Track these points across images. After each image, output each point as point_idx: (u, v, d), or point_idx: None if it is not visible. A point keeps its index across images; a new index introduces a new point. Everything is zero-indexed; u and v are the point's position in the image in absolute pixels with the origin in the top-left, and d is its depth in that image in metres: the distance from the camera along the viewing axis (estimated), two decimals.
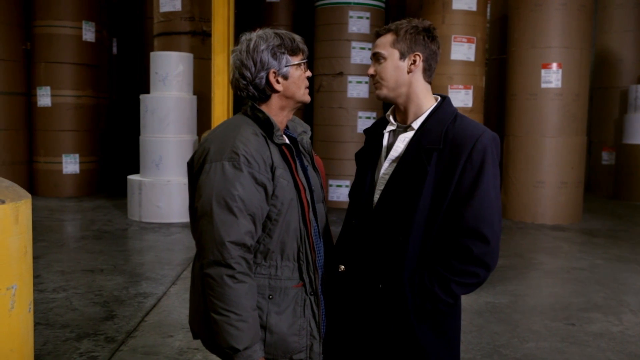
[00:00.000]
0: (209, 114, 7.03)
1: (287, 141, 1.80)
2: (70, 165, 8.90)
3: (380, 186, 1.90)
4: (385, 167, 1.89)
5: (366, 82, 8.57)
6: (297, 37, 1.84)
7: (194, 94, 7.48)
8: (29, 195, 1.96)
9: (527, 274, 5.35)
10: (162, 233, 6.59)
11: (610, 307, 4.45)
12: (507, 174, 7.95)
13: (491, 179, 1.76)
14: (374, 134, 2.02)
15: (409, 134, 1.87)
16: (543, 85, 7.65)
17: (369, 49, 8.48)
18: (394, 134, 1.93)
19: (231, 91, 7.01)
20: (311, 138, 1.94)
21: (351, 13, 8.59)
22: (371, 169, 1.95)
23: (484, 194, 1.75)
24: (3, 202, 1.78)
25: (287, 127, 1.92)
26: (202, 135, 7.21)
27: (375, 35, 1.94)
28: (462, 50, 7.59)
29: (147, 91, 7.52)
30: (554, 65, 7.60)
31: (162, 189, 7.08)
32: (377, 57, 1.88)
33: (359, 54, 8.54)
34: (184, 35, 8.12)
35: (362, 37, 8.55)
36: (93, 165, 9.21)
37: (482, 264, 1.74)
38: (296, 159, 1.83)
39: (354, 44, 8.56)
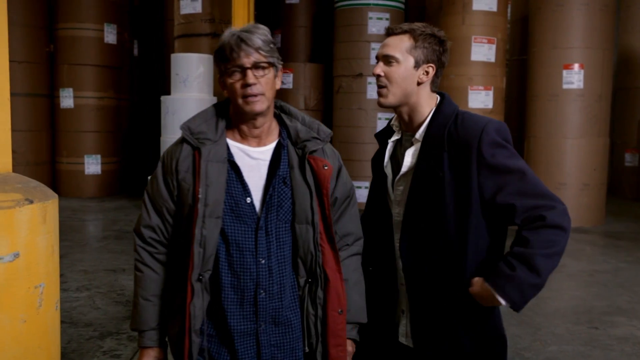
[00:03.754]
0: None
1: (198, 145, 1.67)
2: (92, 165, 9.00)
3: (398, 198, 1.89)
4: (401, 181, 1.87)
5: None
6: (234, 41, 1.63)
7: (214, 95, 7.51)
8: (56, 196, 1.99)
9: (549, 277, 5.30)
10: None
11: (634, 311, 4.39)
12: None
13: (513, 161, 1.72)
14: (382, 143, 1.98)
15: (416, 147, 1.83)
16: (565, 86, 7.57)
17: None
18: (401, 144, 1.90)
19: None
20: (331, 141, 1.83)
21: (370, 14, 8.58)
22: (383, 180, 1.94)
23: (520, 176, 1.70)
24: (31, 202, 1.81)
25: (285, 132, 1.77)
26: None
27: (386, 32, 1.84)
28: (483, 51, 7.55)
29: (168, 92, 7.57)
30: (576, 66, 7.52)
31: None
32: (388, 59, 1.79)
33: None
34: (204, 37, 8.16)
35: (381, 38, 8.46)
36: (114, 165, 9.31)
37: (558, 226, 1.65)
38: (207, 166, 1.66)
39: (373, 45, 8.54)
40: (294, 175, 1.72)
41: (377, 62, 1.82)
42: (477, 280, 1.74)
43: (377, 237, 1.97)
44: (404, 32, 1.79)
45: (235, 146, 1.71)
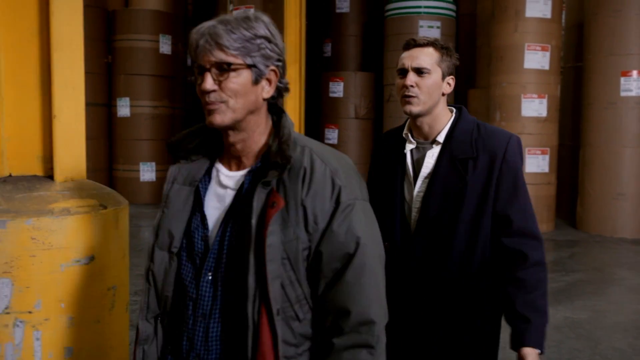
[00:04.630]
0: None
1: (175, 162, 1.46)
2: (147, 173, 9.24)
3: (417, 204, 1.90)
4: (420, 185, 1.90)
5: None
6: (198, 35, 1.31)
7: None
8: (127, 202, 2.07)
9: (608, 290, 5.17)
10: None
11: None
12: (582, 186, 7.70)
13: (523, 180, 1.87)
14: (389, 151, 2.00)
15: (437, 149, 1.90)
16: (622, 94, 7.37)
17: None
18: (417, 151, 1.93)
19: (303, 101, 7.13)
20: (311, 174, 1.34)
21: (421, 22, 8.55)
22: (399, 188, 1.94)
23: (524, 194, 1.86)
24: (105, 207, 1.89)
25: (265, 155, 1.37)
26: None
27: (411, 44, 1.88)
28: (536, 59, 7.43)
29: None
30: (634, 73, 7.31)
31: None
32: (419, 70, 1.84)
33: None
34: None
35: None
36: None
37: (542, 263, 1.87)
38: (172, 188, 1.44)
39: None
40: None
41: (407, 73, 1.85)
42: (528, 353, 1.83)
43: (388, 248, 1.97)
44: (428, 44, 1.87)
45: (216, 168, 1.43)
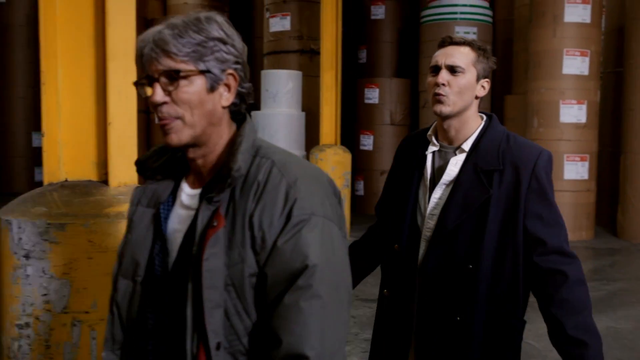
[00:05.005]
0: (317, 130, 7.22)
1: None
2: None
3: (433, 210, 1.80)
4: (439, 192, 1.79)
5: None
6: (144, 41, 1.19)
7: (303, 110, 7.69)
8: None
9: None
10: None
11: None
12: (623, 193, 7.56)
13: (553, 197, 1.76)
14: (410, 154, 1.90)
15: (461, 157, 1.78)
16: None
17: None
18: (439, 155, 1.83)
19: (339, 107, 7.18)
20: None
21: (457, 29, 8.53)
22: (414, 192, 1.85)
23: (556, 212, 1.75)
24: None
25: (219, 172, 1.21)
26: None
27: (446, 41, 1.79)
28: (575, 64, 7.33)
29: (255, 108, 7.81)
30: None
31: None
32: (453, 69, 1.75)
33: None
34: (292, 53, 8.38)
35: None
36: None
37: (582, 281, 1.74)
38: (136, 210, 1.32)
39: None
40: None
41: (439, 71, 1.76)
42: None
43: (394, 253, 1.88)
44: (464, 43, 1.78)
45: (181, 187, 1.30)
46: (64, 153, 1.98)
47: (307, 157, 7.33)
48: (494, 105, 8.88)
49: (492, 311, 1.74)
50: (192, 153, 1.23)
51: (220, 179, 1.17)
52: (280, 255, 1.13)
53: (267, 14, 8.68)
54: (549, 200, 1.73)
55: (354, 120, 9.37)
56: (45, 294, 1.80)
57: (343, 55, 7.33)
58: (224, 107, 1.21)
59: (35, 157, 11.34)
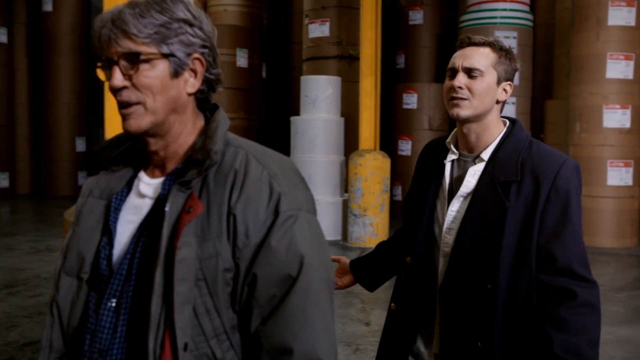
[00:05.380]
0: (356, 135, 7.25)
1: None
2: None
3: (451, 224, 1.69)
4: (457, 205, 1.69)
5: (513, 103, 8.38)
6: (102, 22, 1.10)
7: (341, 115, 7.74)
8: None
9: None
10: None
11: None
12: None
13: (576, 213, 1.60)
14: (431, 161, 1.80)
15: (480, 166, 1.67)
16: None
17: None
18: (458, 164, 1.73)
19: (378, 112, 7.21)
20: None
21: (497, 33, 8.46)
22: (430, 202, 1.75)
23: (574, 229, 1.58)
24: None
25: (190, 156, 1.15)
26: None
27: (465, 42, 1.69)
28: (619, 68, 7.21)
29: (293, 113, 7.90)
30: None
31: None
32: (470, 71, 1.63)
33: None
34: (331, 59, 8.44)
35: None
36: None
37: (591, 305, 1.55)
38: (86, 202, 1.22)
39: None
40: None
41: (456, 73, 1.65)
42: None
43: (406, 266, 1.79)
44: (485, 44, 1.67)
45: (139, 177, 1.21)
46: None
47: (346, 162, 7.37)
48: (534, 110, 8.79)
49: (510, 335, 1.60)
50: (153, 145, 1.14)
51: (195, 163, 1.09)
52: (274, 255, 1.06)
53: (306, 20, 8.76)
54: (568, 216, 1.58)
55: (392, 125, 9.37)
56: None
57: (383, 61, 7.35)
58: (189, 94, 1.13)
59: (79, 161, 11.65)
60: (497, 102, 1.67)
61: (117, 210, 1.18)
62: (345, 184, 7.47)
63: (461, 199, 1.68)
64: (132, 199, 1.18)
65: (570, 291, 1.55)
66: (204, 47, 1.12)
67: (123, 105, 1.09)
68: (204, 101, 1.19)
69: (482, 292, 1.61)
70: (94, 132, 12.23)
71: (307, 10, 8.85)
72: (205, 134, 1.13)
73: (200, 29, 1.12)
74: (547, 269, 1.57)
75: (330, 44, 8.46)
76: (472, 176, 1.67)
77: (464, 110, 1.63)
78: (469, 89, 1.62)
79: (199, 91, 1.15)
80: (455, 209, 1.69)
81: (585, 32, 7.32)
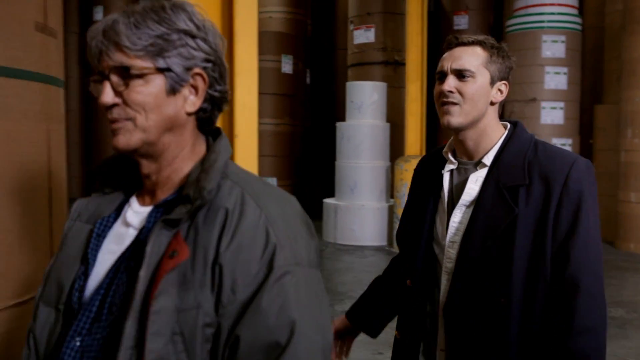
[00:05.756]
0: (401, 141, 7.25)
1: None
2: None
3: (453, 237, 1.55)
4: (459, 215, 1.55)
5: (561, 108, 8.25)
6: (94, 32, 1.01)
7: (387, 121, 7.75)
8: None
9: None
10: (357, 255, 6.87)
11: None
12: None
13: (592, 215, 1.47)
14: (426, 175, 1.68)
15: (482, 172, 1.55)
16: None
17: (565, 73, 8.19)
18: (458, 173, 1.60)
19: (424, 118, 7.19)
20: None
21: (544, 37, 8.35)
22: (429, 218, 1.62)
23: (586, 234, 1.45)
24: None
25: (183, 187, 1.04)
26: None
27: (452, 43, 1.57)
28: None
29: (337, 119, 7.93)
30: None
31: (357, 213, 7.40)
32: (460, 73, 1.52)
33: (554, 79, 8.27)
34: (377, 65, 8.46)
35: (557, 62, 8.27)
36: (289, 188, 9.86)
37: (592, 330, 1.43)
38: (73, 226, 1.13)
39: (547, 68, 8.30)
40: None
41: (445, 77, 1.54)
42: None
43: (407, 289, 1.66)
44: (474, 43, 1.55)
45: (129, 202, 1.11)
46: None
47: (392, 168, 7.38)
48: (583, 115, 8.63)
49: (527, 351, 1.48)
50: (145, 167, 1.04)
51: (185, 199, 0.97)
52: (262, 319, 0.92)
53: (351, 27, 8.81)
54: (580, 219, 1.45)
55: (438, 130, 9.33)
56: None
57: (429, 67, 7.34)
58: (188, 114, 1.03)
59: None
60: (492, 103, 1.56)
61: (101, 237, 1.07)
62: (391, 190, 7.47)
63: (463, 208, 1.55)
64: (117, 227, 1.08)
65: (571, 311, 1.42)
66: (207, 61, 1.02)
67: (112, 120, 1.00)
68: (206, 121, 1.08)
69: (494, 308, 1.47)
70: None
71: (352, 16, 8.89)
72: (202, 165, 1.02)
73: (205, 41, 1.02)
74: (555, 278, 1.45)
75: (376, 49, 8.49)
76: (475, 183, 1.55)
77: (455, 118, 1.52)
78: (460, 92, 1.52)
79: (200, 110, 1.04)
80: (457, 219, 1.56)
81: (637, 35, 7.17)
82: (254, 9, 2.14)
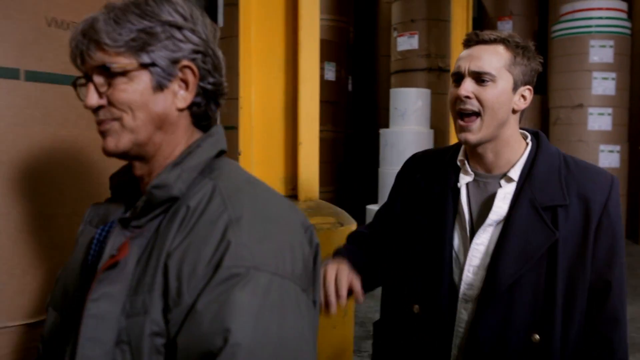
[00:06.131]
0: None
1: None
2: None
3: (474, 261, 1.38)
4: (484, 236, 1.38)
5: (609, 114, 8.11)
6: (71, 35, 0.97)
7: (430, 127, 7.73)
8: (355, 221, 2.28)
9: None
10: None
11: None
12: None
13: (622, 238, 1.37)
14: (433, 182, 1.48)
15: (510, 188, 1.39)
16: None
17: (613, 79, 8.06)
18: (476, 186, 1.43)
19: None
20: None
21: (592, 42, 8.24)
22: (448, 238, 1.42)
23: (622, 262, 1.35)
24: (342, 224, 2.10)
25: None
26: None
27: (473, 40, 1.40)
28: None
29: (379, 125, 7.95)
30: None
31: None
32: (479, 76, 1.35)
33: (601, 85, 8.14)
34: (420, 71, 8.46)
35: (604, 67, 8.15)
36: (331, 194, 9.92)
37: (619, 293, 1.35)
38: (84, 231, 1.12)
39: (595, 74, 8.18)
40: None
41: (462, 79, 1.38)
42: None
43: (413, 317, 1.46)
44: (497, 41, 1.38)
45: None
46: (256, 171, 2.20)
47: None
48: (632, 122, 8.46)
49: None
50: (138, 169, 1.00)
51: (147, 197, 0.92)
52: (197, 324, 0.80)
53: (395, 33, 8.83)
54: (618, 244, 1.35)
55: None
56: None
57: None
58: (180, 109, 0.97)
59: None
60: (514, 111, 1.40)
61: (102, 243, 1.01)
62: None
63: (490, 229, 1.38)
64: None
65: (611, 346, 1.34)
66: (196, 52, 0.96)
67: (99, 122, 0.95)
68: (202, 117, 1.02)
69: (526, 345, 1.32)
70: None
71: (395, 23, 8.92)
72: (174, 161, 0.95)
73: (193, 32, 0.96)
74: (594, 310, 1.34)
75: (419, 56, 8.49)
76: (503, 200, 1.38)
77: (474, 135, 1.37)
78: (478, 99, 1.35)
79: (193, 105, 0.99)
80: (482, 241, 1.39)
81: None
82: (316, 20, 2.20)
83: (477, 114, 1.35)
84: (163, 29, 0.92)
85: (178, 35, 0.94)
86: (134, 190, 1.06)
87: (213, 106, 1.01)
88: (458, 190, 1.42)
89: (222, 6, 9.21)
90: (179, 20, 0.94)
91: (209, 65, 0.98)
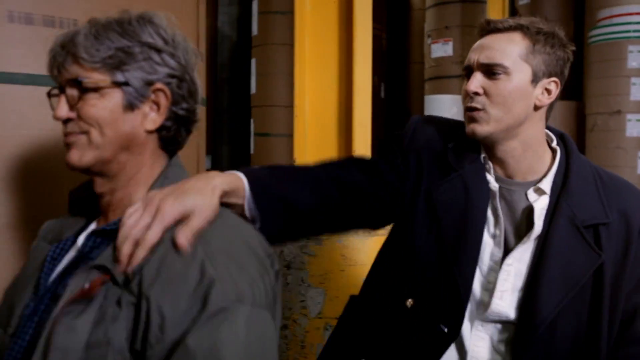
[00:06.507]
0: None
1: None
2: None
3: (504, 285, 1.19)
4: (517, 255, 1.19)
5: None
6: (51, 46, 0.98)
7: None
8: None
9: None
10: None
11: None
12: None
13: None
14: (467, 173, 1.24)
15: (543, 202, 1.20)
16: None
17: None
18: (501, 195, 1.22)
19: None
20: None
21: (630, 47, 8.11)
22: (476, 250, 1.20)
23: None
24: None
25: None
26: None
27: (485, 29, 1.23)
28: None
29: None
30: None
31: None
32: (490, 69, 1.17)
33: None
34: (454, 78, 8.46)
35: None
36: None
37: None
38: (38, 245, 1.09)
39: (633, 79, 8.05)
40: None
41: (472, 73, 1.21)
42: None
43: (409, 315, 1.25)
44: (513, 28, 1.19)
45: (90, 226, 1.05)
46: None
47: None
48: None
49: None
50: (99, 186, 0.98)
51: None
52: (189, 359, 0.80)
53: (428, 40, 8.85)
54: None
55: None
56: (302, 300, 2.06)
57: None
58: (148, 131, 0.97)
59: None
60: (536, 108, 1.20)
61: (56, 260, 1.00)
62: None
63: (527, 247, 1.20)
64: (71, 252, 1.01)
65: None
66: (171, 76, 0.97)
67: (66, 134, 0.95)
68: (170, 141, 1.01)
69: None
70: (219, 151, 12.89)
71: (429, 30, 8.93)
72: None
73: (172, 56, 0.97)
74: (624, 335, 1.20)
75: (453, 63, 8.49)
76: (538, 216, 1.19)
77: (482, 127, 1.19)
78: (487, 94, 1.18)
79: (163, 128, 0.98)
80: (512, 262, 1.19)
81: None
82: (369, 32, 2.26)
83: (483, 110, 1.19)
84: (141, 50, 0.94)
85: (156, 57, 0.95)
86: (92, 207, 1.03)
87: (183, 132, 1.01)
88: (488, 196, 1.20)
89: (257, 14, 9.36)
90: (159, 43, 0.95)
91: (184, 91, 0.98)
